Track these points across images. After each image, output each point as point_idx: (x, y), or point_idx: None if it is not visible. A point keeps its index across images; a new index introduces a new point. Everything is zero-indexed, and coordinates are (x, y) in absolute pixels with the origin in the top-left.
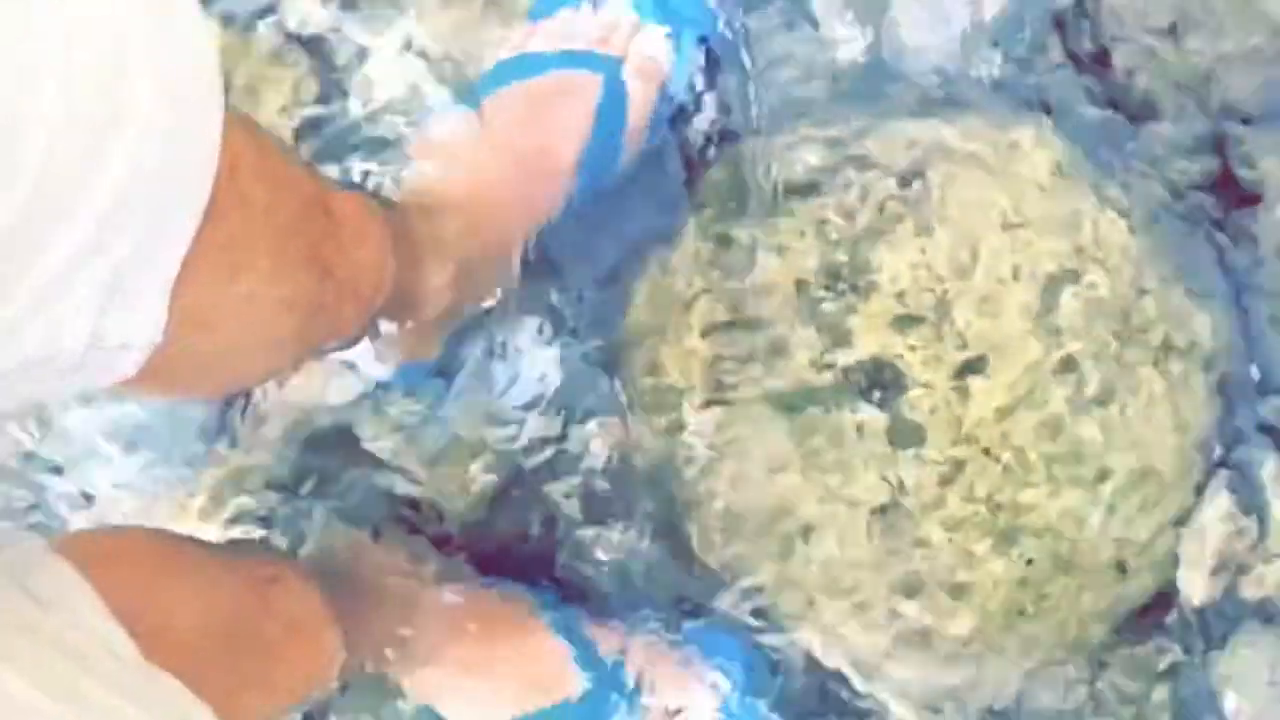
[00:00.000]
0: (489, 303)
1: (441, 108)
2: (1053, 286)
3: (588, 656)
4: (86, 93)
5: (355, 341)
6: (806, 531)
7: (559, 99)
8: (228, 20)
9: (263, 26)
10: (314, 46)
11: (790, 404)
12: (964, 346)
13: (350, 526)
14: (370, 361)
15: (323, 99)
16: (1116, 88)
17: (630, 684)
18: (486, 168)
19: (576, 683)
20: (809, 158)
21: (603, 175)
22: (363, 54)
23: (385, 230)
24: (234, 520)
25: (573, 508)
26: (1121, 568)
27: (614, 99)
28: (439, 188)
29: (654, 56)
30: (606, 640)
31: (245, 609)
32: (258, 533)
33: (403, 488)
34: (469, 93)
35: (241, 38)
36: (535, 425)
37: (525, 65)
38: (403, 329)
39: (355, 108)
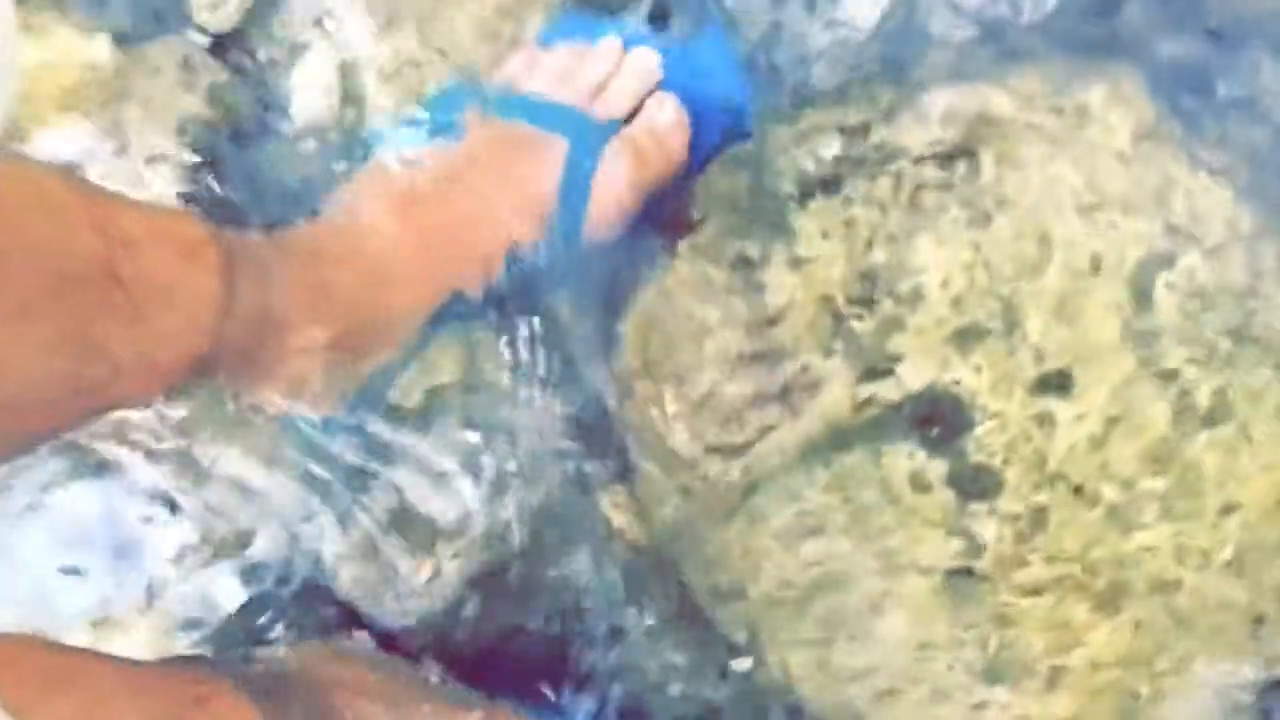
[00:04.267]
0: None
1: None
2: (1143, 277)
3: None
4: None
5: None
6: (860, 610)
7: (514, 164)
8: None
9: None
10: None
11: (825, 452)
12: (1041, 360)
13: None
14: None
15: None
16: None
17: None
18: (406, 222)
19: None
20: (824, 150)
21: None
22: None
23: (216, 283)
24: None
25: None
26: (1260, 620)
27: (577, 173)
28: (341, 231)
29: (669, 125)
30: None
31: None
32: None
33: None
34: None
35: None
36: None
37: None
38: (258, 386)
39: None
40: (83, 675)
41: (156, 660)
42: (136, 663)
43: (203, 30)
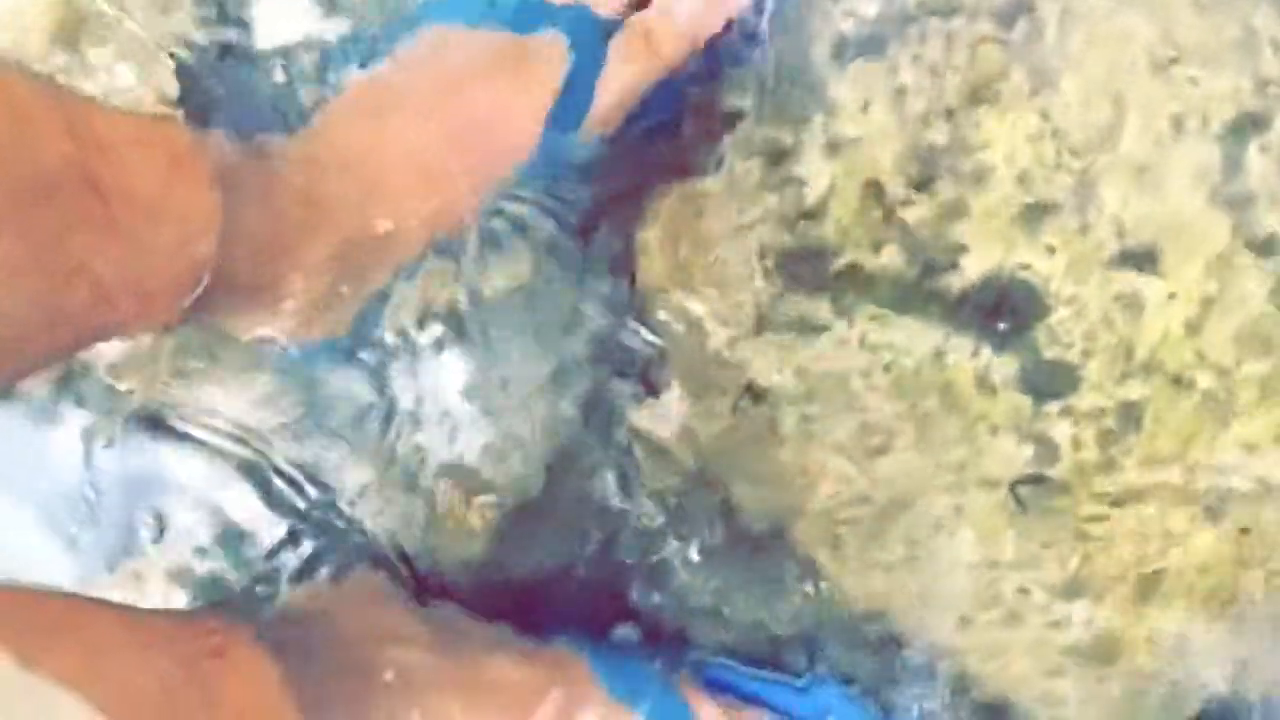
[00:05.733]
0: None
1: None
2: (1233, 139)
3: None
4: None
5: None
6: (934, 528)
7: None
8: None
9: None
10: None
11: (883, 353)
12: (1121, 236)
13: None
14: None
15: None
16: None
17: None
18: (405, 132)
19: None
20: (861, 7)
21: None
22: None
23: (209, 196)
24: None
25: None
26: None
27: (583, 69)
28: (337, 140)
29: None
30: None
31: (173, 693)
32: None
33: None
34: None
35: None
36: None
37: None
38: (260, 309)
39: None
40: (87, 624)
41: (170, 609)
42: (147, 611)
43: None
